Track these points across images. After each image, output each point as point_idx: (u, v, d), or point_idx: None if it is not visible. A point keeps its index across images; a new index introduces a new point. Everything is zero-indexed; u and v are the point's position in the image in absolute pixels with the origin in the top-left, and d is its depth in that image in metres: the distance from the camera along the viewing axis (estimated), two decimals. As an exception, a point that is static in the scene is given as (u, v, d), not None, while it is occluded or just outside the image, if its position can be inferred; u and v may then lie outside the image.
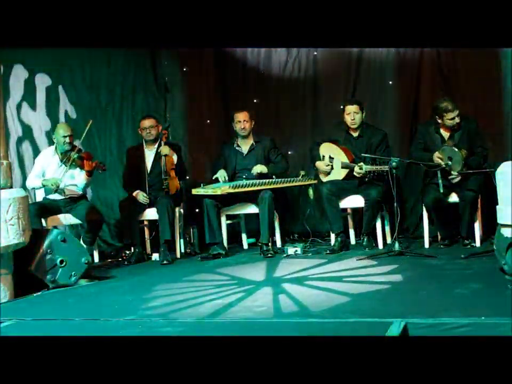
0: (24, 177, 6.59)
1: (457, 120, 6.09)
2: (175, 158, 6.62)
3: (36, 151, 6.75)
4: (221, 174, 6.65)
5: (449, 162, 5.95)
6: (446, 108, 6.07)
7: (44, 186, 6.36)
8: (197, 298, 4.69)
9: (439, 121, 6.16)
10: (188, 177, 7.38)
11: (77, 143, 6.50)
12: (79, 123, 6.97)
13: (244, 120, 6.66)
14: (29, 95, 6.77)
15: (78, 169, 6.45)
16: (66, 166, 6.38)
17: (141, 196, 6.59)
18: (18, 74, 6.66)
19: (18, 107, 6.69)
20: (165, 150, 6.60)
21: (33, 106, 6.82)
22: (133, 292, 5.15)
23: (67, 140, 6.39)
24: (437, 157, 6.04)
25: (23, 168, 6.69)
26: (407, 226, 6.95)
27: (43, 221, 6.37)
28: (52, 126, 6.83)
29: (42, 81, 6.91)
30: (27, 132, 6.76)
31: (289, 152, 7.36)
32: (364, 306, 4.15)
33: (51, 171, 6.43)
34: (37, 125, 6.86)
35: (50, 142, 6.70)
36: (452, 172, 5.98)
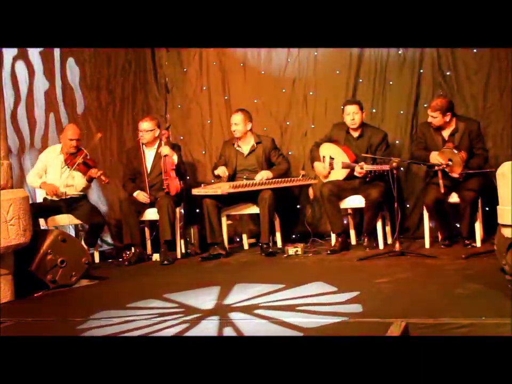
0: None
1: (434, 121, 6.11)
2: (175, 158, 6.62)
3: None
4: (222, 170, 6.65)
5: (450, 163, 5.95)
6: (430, 104, 6.19)
7: (41, 188, 6.38)
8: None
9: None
10: (188, 177, 7.39)
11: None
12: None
13: (235, 123, 6.66)
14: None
15: (80, 174, 6.47)
16: (69, 168, 6.39)
17: (141, 195, 6.60)
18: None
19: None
20: (165, 150, 6.60)
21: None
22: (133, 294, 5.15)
23: (73, 143, 6.41)
24: (434, 157, 6.05)
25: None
26: (407, 226, 6.95)
27: (44, 221, 6.38)
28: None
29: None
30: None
31: (290, 152, 7.36)
32: (364, 306, 4.15)
33: (53, 170, 6.45)
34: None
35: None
36: (453, 175, 5.97)
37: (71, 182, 6.48)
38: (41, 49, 6.87)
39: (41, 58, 6.90)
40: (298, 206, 7.35)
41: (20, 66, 6.72)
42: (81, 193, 6.57)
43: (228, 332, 3.86)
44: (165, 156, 6.58)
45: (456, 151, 5.96)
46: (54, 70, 7.03)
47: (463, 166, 5.95)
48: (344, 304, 4.33)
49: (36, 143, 6.88)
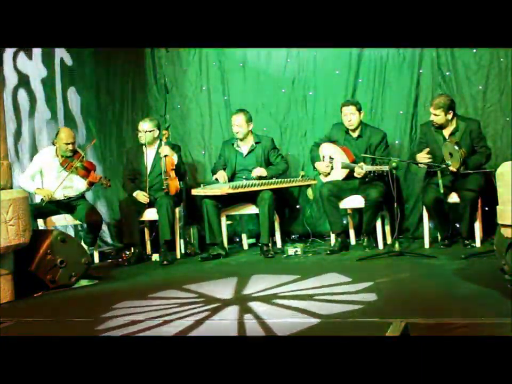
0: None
1: (436, 119, 6.11)
2: (175, 158, 6.62)
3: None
4: (221, 175, 6.65)
5: (449, 162, 5.95)
6: (432, 102, 6.18)
7: (36, 193, 6.37)
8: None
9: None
10: (187, 178, 7.39)
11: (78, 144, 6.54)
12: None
13: (237, 125, 6.66)
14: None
15: (77, 176, 6.46)
16: (67, 171, 6.38)
17: (141, 195, 6.59)
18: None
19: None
20: (165, 150, 6.59)
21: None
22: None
23: (69, 147, 6.40)
24: (422, 156, 6.06)
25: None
26: (407, 226, 6.95)
27: (43, 221, 6.38)
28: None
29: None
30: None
31: (289, 153, 7.36)
32: (363, 306, 4.15)
33: (50, 173, 6.43)
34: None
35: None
36: (450, 168, 5.97)
37: (70, 184, 6.47)
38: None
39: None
40: (297, 206, 7.35)
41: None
42: (79, 194, 6.58)
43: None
44: (165, 156, 6.58)
45: (457, 147, 5.95)
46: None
47: (461, 163, 5.95)
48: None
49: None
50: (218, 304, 4.54)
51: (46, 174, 6.45)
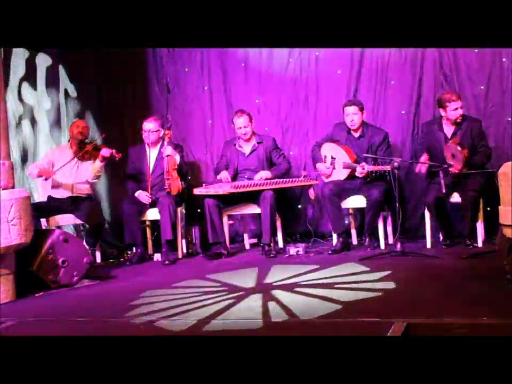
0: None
1: (460, 111, 6.12)
2: (177, 158, 6.61)
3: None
4: (224, 175, 6.64)
5: (451, 162, 5.95)
6: (450, 98, 6.12)
7: (39, 176, 6.37)
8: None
9: (443, 113, 6.19)
10: (189, 178, 7.39)
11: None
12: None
13: (244, 126, 6.65)
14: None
15: (91, 162, 6.47)
16: (78, 158, 6.40)
17: (143, 195, 6.59)
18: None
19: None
20: (167, 150, 6.59)
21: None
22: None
23: (79, 129, 6.50)
24: (422, 161, 6.07)
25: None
26: (408, 226, 6.94)
27: (45, 221, 6.38)
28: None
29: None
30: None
31: (291, 153, 7.36)
32: (365, 306, 4.15)
33: (62, 164, 6.42)
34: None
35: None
36: (452, 170, 5.96)
37: (85, 175, 6.48)
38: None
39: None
40: (299, 206, 7.35)
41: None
42: (88, 192, 6.59)
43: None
44: (167, 156, 6.58)
45: (459, 148, 5.95)
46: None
47: (464, 164, 5.95)
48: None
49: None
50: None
51: (58, 166, 6.43)
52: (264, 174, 6.60)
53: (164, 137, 6.70)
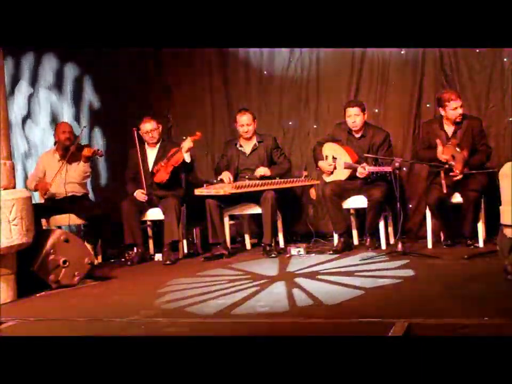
0: None
1: (460, 111, 6.11)
2: (187, 157, 6.57)
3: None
4: (226, 176, 6.63)
5: (452, 163, 5.95)
6: (449, 97, 6.12)
7: (36, 190, 6.42)
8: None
9: (443, 113, 6.18)
10: (190, 178, 7.41)
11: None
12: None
13: (247, 124, 6.66)
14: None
15: (77, 163, 6.49)
16: (65, 160, 6.42)
17: (139, 193, 6.60)
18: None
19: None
20: (187, 144, 6.55)
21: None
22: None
23: (66, 135, 6.53)
24: (441, 153, 6.03)
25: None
26: (410, 226, 6.93)
27: (46, 221, 6.39)
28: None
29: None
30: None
31: (292, 153, 7.35)
32: (366, 306, 4.15)
33: (53, 170, 6.48)
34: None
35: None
36: (455, 170, 5.96)
37: (74, 179, 6.49)
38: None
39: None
40: (300, 206, 7.34)
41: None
42: (83, 191, 6.59)
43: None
44: (179, 149, 6.56)
45: (458, 149, 5.95)
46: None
47: (464, 165, 5.95)
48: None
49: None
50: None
51: (49, 173, 6.49)
52: (264, 170, 6.60)
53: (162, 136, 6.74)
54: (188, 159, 6.56)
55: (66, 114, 7.21)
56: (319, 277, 5.19)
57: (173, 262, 6.34)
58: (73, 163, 6.52)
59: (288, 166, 6.80)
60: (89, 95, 7.41)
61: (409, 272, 5.12)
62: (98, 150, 6.66)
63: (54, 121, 7.12)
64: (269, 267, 5.69)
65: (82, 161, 6.51)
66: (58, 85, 7.11)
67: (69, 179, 6.48)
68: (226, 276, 5.49)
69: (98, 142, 7.38)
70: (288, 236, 7.04)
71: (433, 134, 6.28)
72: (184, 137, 6.79)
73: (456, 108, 6.10)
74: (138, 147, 6.72)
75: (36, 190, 6.49)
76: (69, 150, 6.49)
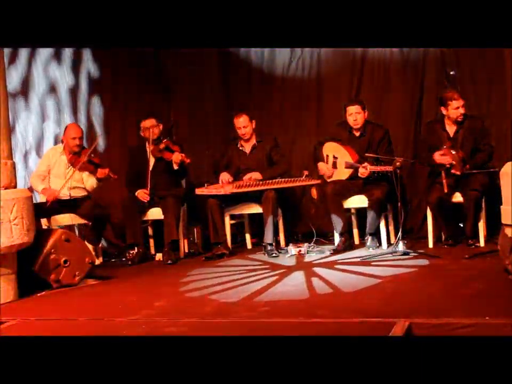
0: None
1: (461, 110, 6.11)
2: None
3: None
4: (225, 177, 6.63)
5: (453, 162, 5.95)
6: (451, 96, 6.13)
7: (41, 194, 6.38)
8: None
9: (444, 112, 6.18)
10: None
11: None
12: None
13: (244, 126, 6.65)
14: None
15: (87, 174, 6.48)
16: (74, 168, 6.39)
17: (141, 193, 6.60)
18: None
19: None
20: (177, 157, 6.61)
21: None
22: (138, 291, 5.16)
23: (76, 141, 6.43)
24: (439, 155, 6.03)
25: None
26: (411, 226, 6.94)
27: (47, 221, 6.38)
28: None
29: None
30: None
31: (293, 152, 7.35)
32: (367, 306, 4.15)
33: (57, 171, 6.45)
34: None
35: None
36: (453, 171, 5.97)
37: (79, 184, 6.49)
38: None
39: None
40: (301, 206, 7.34)
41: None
42: (85, 194, 6.59)
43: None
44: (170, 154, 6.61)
45: (454, 152, 5.96)
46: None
47: (462, 165, 5.95)
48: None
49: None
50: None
51: (54, 172, 6.47)
52: (254, 175, 6.58)
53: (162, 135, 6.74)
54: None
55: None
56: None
57: (174, 261, 6.34)
58: (82, 171, 6.49)
59: (285, 168, 6.77)
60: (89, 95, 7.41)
61: (410, 272, 5.15)
62: (111, 171, 6.53)
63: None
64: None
65: (97, 180, 6.51)
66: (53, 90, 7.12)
67: (75, 184, 6.46)
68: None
69: (99, 141, 7.38)
70: (289, 236, 7.05)
71: (435, 135, 6.28)
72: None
73: (458, 108, 6.10)
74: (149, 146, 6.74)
75: (42, 194, 6.41)
76: (78, 156, 6.44)
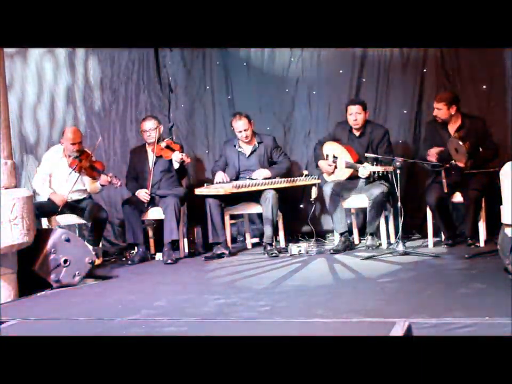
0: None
1: (438, 114, 6.12)
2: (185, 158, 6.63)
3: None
4: (220, 176, 6.63)
5: (453, 162, 5.95)
6: (436, 96, 6.20)
7: (49, 200, 6.36)
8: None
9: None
10: (191, 177, 7.41)
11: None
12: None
13: (244, 130, 6.63)
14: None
15: (90, 180, 6.47)
16: (76, 173, 6.37)
17: (142, 193, 6.60)
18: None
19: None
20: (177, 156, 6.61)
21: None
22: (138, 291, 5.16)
23: (76, 147, 6.37)
24: (435, 152, 6.04)
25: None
26: (411, 226, 6.93)
27: (47, 220, 6.38)
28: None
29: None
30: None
31: (293, 152, 7.35)
32: (367, 306, 4.15)
33: (59, 174, 6.43)
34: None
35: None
36: (459, 164, 5.96)
37: (81, 187, 6.49)
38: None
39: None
40: (301, 206, 7.34)
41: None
42: (85, 195, 6.59)
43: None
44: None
45: (461, 143, 5.94)
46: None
47: (467, 157, 5.94)
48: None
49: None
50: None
51: (55, 175, 6.45)
52: (263, 172, 6.59)
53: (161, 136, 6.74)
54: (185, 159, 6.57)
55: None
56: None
57: (174, 261, 6.34)
58: (85, 175, 6.48)
59: (288, 165, 6.79)
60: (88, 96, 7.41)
61: (410, 272, 5.15)
62: (115, 177, 6.49)
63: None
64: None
65: (98, 185, 6.51)
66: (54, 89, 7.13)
67: (77, 187, 6.45)
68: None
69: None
70: (289, 235, 7.05)
71: (436, 134, 6.28)
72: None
73: (438, 109, 6.13)
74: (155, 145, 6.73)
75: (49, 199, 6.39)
76: (79, 160, 6.39)
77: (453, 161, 5.95)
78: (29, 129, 6.88)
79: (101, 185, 6.53)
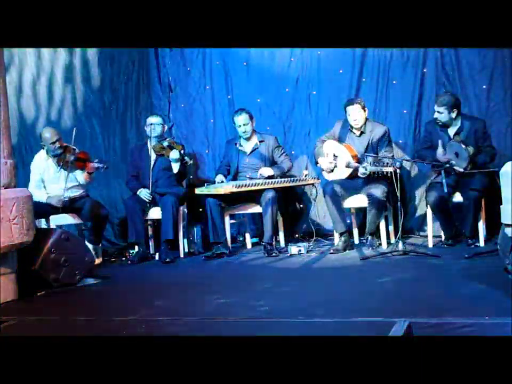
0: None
1: (439, 117, 6.11)
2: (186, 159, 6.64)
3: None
4: (219, 179, 6.65)
5: (453, 162, 5.94)
6: (437, 99, 6.17)
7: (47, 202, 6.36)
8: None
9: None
10: (191, 177, 7.40)
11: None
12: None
13: (244, 124, 6.64)
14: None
15: (80, 172, 6.46)
16: (65, 170, 6.35)
17: (143, 192, 6.60)
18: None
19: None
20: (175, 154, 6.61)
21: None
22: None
23: (56, 144, 6.35)
24: (441, 154, 6.03)
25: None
26: (410, 225, 6.94)
27: (46, 220, 6.38)
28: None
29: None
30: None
31: (293, 152, 7.36)
32: (366, 305, 4.15)
33: (50, 177, 6.42)
34: None
35: None
36: (457, 169, 5.96)
37: (74, 183, 6.48)
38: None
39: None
40: (301, 205, 7.35)
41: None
42: (83, 193, 6.58)
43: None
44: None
45: (464, 146, 5.94)
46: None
47: (469, 162, 5.93)
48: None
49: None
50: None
51: (46, 178, 6.45)
52: (266, 170, 6.59)
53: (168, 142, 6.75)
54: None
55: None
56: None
57: (171, 260, 6.34)
58: (73, 169, 6.47)
59: (290, 165, 6.79)
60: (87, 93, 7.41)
61: (410, 272, 5.16)
62: (100, 161, 6.50)
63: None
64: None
65: (86, 177, 6.48)
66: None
67: (70, 184, 6.44)
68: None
69: (99, 141, 7.37)
70: (289, 235, 7.05)
71: (435, 134, 6.28)
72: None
73: (438, 112, 6.12)
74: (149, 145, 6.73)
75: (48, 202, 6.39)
76: (64, 156, 6.36)
77: (453, 162, 5.94)
78: (29, 129, 6.87)
79: (88, 173, 6.48)
